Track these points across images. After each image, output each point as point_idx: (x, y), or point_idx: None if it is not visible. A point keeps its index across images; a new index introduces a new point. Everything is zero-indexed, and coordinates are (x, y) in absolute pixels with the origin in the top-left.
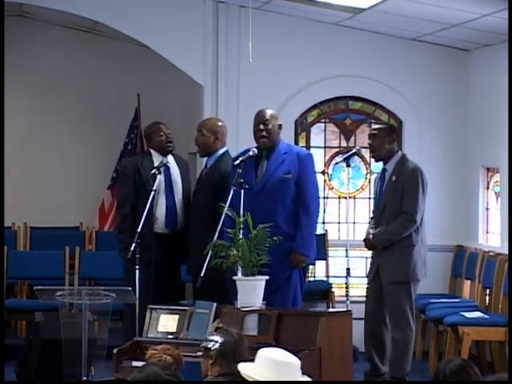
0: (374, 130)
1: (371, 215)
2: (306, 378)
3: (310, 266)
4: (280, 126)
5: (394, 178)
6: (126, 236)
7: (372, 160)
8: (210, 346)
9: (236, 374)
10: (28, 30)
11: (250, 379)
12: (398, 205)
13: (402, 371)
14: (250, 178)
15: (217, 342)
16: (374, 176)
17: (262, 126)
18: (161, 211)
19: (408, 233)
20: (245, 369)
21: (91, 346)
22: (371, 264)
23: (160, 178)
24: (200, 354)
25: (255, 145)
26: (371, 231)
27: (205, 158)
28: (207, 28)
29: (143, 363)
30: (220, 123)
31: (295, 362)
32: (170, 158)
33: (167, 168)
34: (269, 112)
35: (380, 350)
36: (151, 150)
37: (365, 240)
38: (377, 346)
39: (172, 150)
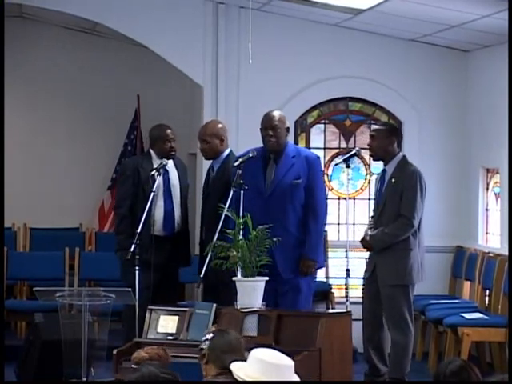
0: (374, 131)
1: (371, 215)
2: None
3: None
4: (288, 128)
5: (393, 180)
6: (124, 237)
7: (372, 161)
8: (202, 345)
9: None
10: (27, 30)
11: (239, 379)
12: (397, 207)
13: (402, 373)
14: (258, 182)
15: (207, 339)
16: (373, 177)
17: (270, 132)
18: (159, 214)
19: (405, 236)
20: (236, 368)
21: (91, 346)
22: (368, 262)
23: (159, 180)
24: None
25: (255, 145)
26: (369, 232)
27: (204, 159)
28: (207, 29)
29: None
30: (220, 125)
31: (286, 363)
32: (169, 161)
33: (166, 171)
34: (277, 116)
35: (378, 351)
36: (151, 152)
37: (362, 240)
38: (375, 346)
39: (173, 157)
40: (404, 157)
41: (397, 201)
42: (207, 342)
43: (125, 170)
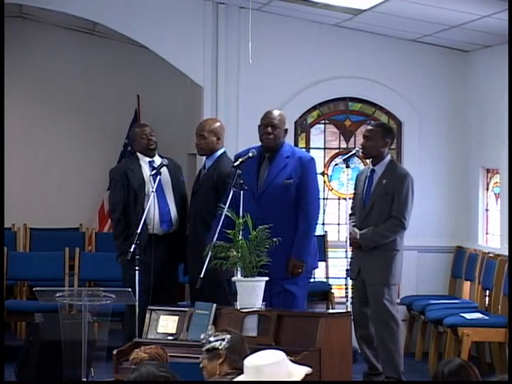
0: (368, 131)
1: (350, 212)
2: (298, 367)
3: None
4: (286, 130)
5: (384, 181)
6: (120, 241)
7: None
8: (217, 345)
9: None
10: (27, 31)
11: None
12: (388, 208)
13: (397, 369)
14: (251, 181)
15: (224, 339)
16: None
17: (269, 129)
18: (155, 212)
19: (395, 237)
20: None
21: (91, 347)
22: (351, 265)
23: (156, 179)
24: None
25: (255, 145)
26: (357, 230)
27: (203, 158)
28: (207, 29)
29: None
30: (218, 123)
31: (264, 362)
32: (158, 160)
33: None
34: (278, 115)
35: (373, 349)
36: (137, 154)
37: (350, 238)
38: (369, 345)
39: (154, 148)
40: (392, 158)
41: (388, 202)
42: (224, 343)
43: (113, 176)
